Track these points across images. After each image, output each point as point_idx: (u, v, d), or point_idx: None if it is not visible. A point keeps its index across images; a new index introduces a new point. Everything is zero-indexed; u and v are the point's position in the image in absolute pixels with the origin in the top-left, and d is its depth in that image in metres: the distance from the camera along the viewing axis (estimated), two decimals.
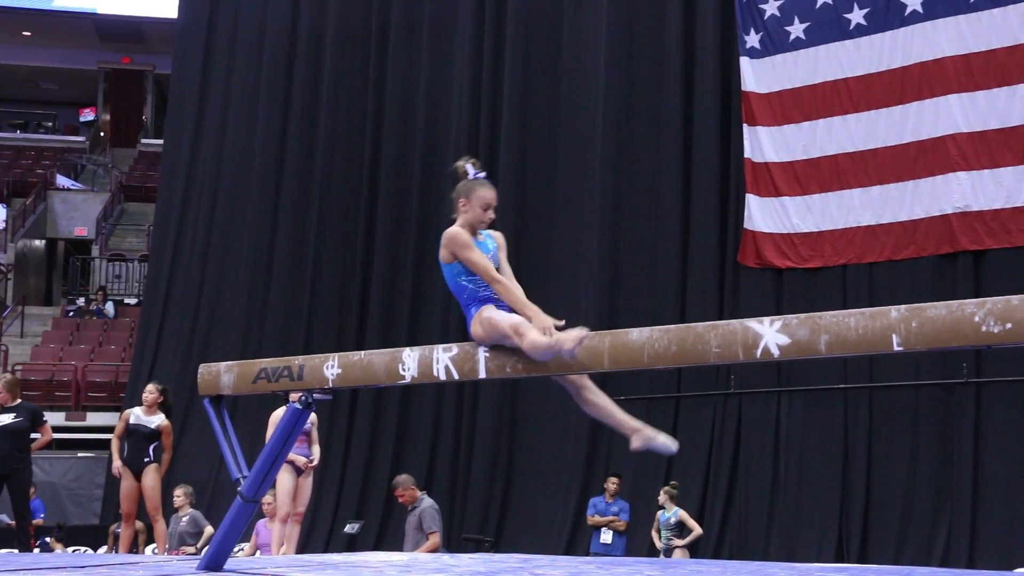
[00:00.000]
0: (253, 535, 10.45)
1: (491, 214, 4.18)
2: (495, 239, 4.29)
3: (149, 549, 11.37)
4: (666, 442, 4.13)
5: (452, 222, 4.19)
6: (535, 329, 3.91)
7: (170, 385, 9.79)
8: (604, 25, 12.69)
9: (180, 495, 11.05)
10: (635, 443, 4.16)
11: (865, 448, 10.62)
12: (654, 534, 10.67)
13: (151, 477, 9.07)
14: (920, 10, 10.68)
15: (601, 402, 4.18)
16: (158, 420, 9.15)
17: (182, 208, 15.50)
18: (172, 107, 16.57)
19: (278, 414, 8.16)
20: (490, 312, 4.09)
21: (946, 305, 3.24)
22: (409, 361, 4.24)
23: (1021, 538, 9.61)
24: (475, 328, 4.13)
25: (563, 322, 3.94)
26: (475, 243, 4.16)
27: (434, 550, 9.97)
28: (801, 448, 10.93)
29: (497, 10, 13.74)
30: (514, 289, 4.10)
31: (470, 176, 4.18)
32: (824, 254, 11.08)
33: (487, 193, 4.16)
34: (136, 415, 9.16)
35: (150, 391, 9.27)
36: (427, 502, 10.25)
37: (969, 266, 10.28)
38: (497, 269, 4.20)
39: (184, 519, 10.96)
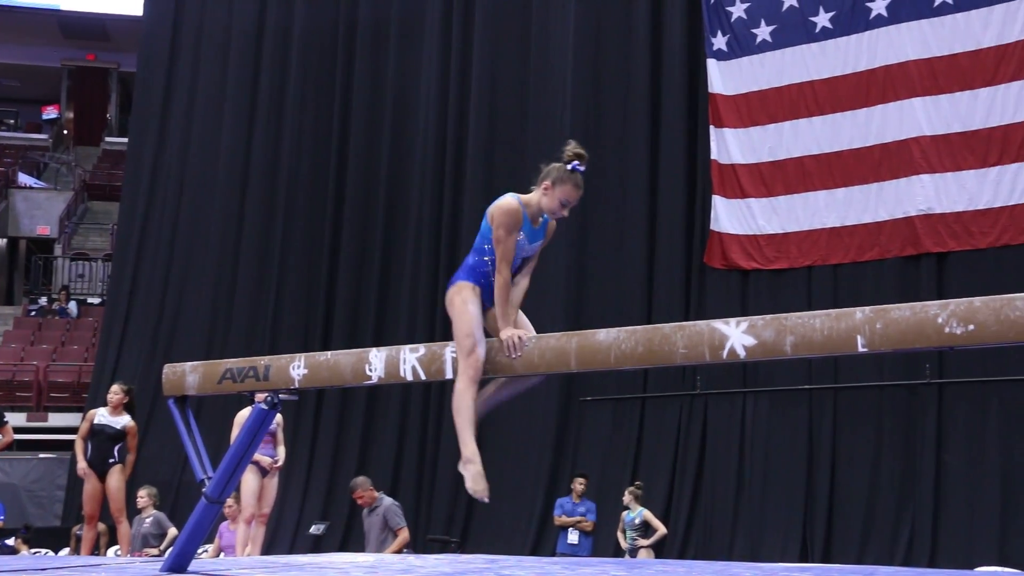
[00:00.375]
0: (216, 538, 10.40)
1: (565, 212, 4.11)
2: (548, 232, 4.23)
3: (112, 551, 11.28)
4: (476, 489, 3.98)
5: (526, 190, 4.12)
6: (471, 377, 3.96)
7: (134, 385, 9.72)
8: (571, 26, 12.72)
9: (144, 496, 10.96)
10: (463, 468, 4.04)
11: (829, 448, 10.69)
12: (619, 534, 10.69)
13: (116, 478, 9.00)
14: (885, 14, 10.77)
15: (497, 393, 4.20)
16: (124, 421, 9.09)
17: (147, 207, 15.39)
18: (137, 105, 16.44)
19: (243, 414, 8.15)
20: (467, 296, 4.06)
21: (910, 307, 3.28)
22: (376, 362, 4.23)
23: (982, 537, 9.71)
24: (450, 293, 4.13)
25: (533, 335, 3.95)
26: (530, 229, 4.10)
27: (404, 545, 9.99)
28: (766, 448, 10.99)
29: (465, 11, 13.74)
30: (506, 292, 4.03)
31: (568, 166, 4.05)
32: (789, 255, 11.15)
33: (572, 193, 4.05)
34: (101, 415, 9.09)
35: (115, 391, 9.20)
36: (388, 501, 10.28)
37: (932, 268, 10.38)
38: (531, 257, 4.18)
39: (147, 520, 10.87)
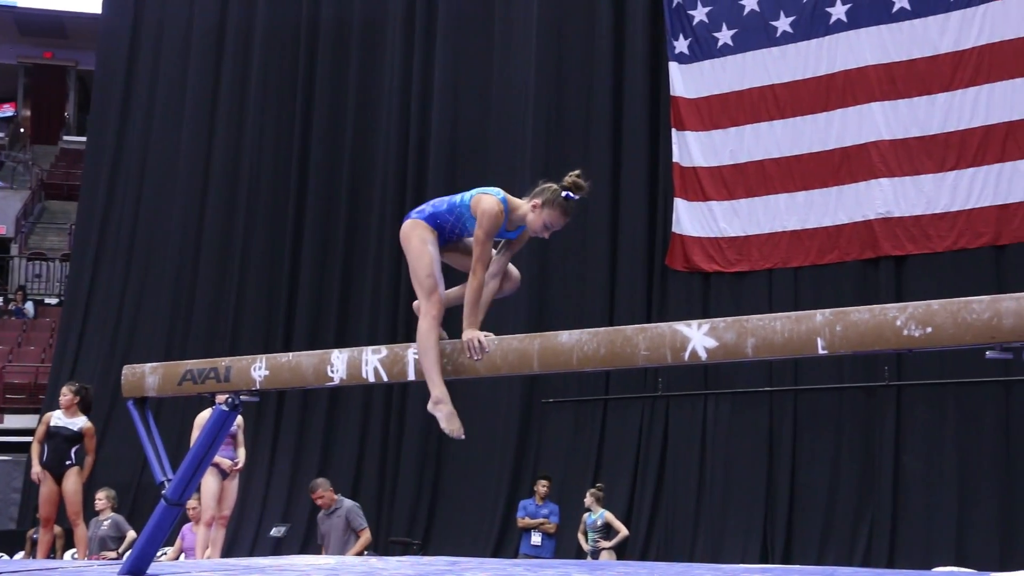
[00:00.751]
0: (178, 539, 10.33)
1: (547, 235, 4.22)
2: (520, 238, 4.31)
3: (68, 554, 11.17)
4: (452, 428, 4.06)
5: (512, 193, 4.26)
6: (434, 316, 4.03)
7: (92, 386, 9.62)
8: (534, 27, 12.73)
9: (102, 498, 10.86)
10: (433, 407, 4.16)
11: (789, 450, 10.77)
12: (580, 536, 10.71)
13: (72, 480, 8.91)
14: (844, 19, 10.87)
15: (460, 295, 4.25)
16: (81, 422, 9.00)
17: (105, 207, 15.23)
18: (96, 104, 16.29)
19: (204, 416, 8.11)
20: (426, 237, 4.17)
21: (869, 309, 3.31)
22: (338, 363, 4.22)
23: (939, 537, 9.81)
24: (407, 227, 4.21)
25: (493, 338, 4.02)
26: (505, 232, 4.21)
27: (367, 546, 9.98)
28: (727, 450, 11.05)
29: (427, 11, 13.71)
30: (477, 294, 4.10)
31: (563, 193, 4.12)
32: (751, 258, 11.21)
33: (559, 219, 4.16)
34: (58, 417, 9.00)
35: (64, 393, 9.12)
36: (348, 502, 10.28)
37: (891, 271, 10.47)
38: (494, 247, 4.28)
39: (105, 523, 10.77)
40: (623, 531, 10.58)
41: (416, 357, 4.09)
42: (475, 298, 4.09)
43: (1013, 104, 9.99)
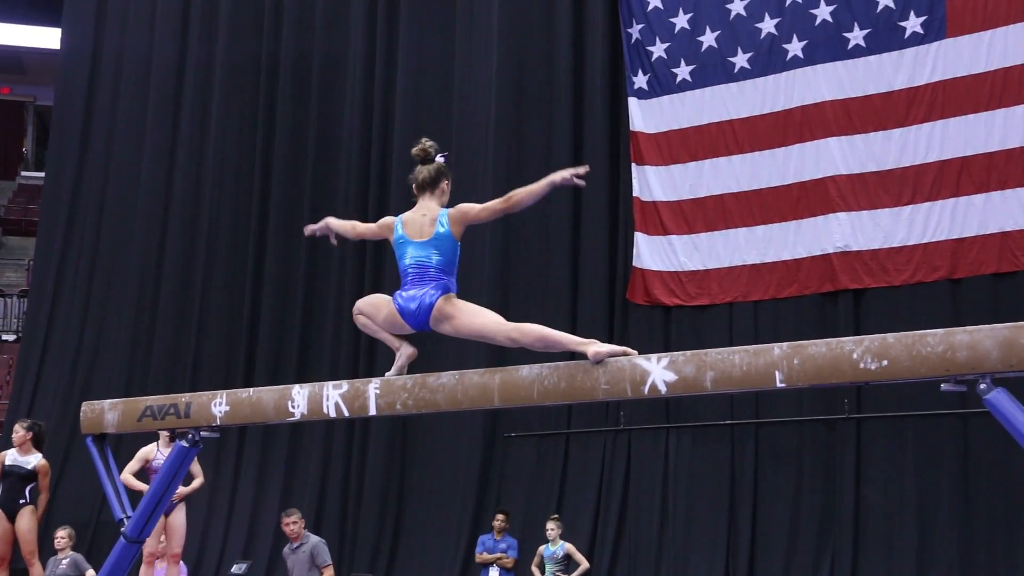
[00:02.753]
0: None
1: None
2: None
3: None
4: (614, 348, 3.91)
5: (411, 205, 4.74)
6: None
7: (50, 423, 9.54)
8: (494, 62, 12.80)
9: (63, 537, 10.68)
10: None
11: (751, 483, 10.80)
12: (534, 569, 10.63)
13: (26, 519, 8.83)
14: (801, 55, 11.01)
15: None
16: (35, 460, 8.92)
17: (64, 242, 15.12)
18: (54, 139, 16.18)
19: (147, 450, 8.17)
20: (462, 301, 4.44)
21: (826, 343, 3.35)
22: (299, 398, 4.21)
23: (899, 568, 9.86)
24: (445, 301, 4.39)
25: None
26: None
27: None
28: (689, 483, 11.07)
29: (388, 46, 13.75)
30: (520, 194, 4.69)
31: (442, 161, 4.64)
32: (711, 292, 11.28)
33: None
34: (12, 456, 8.92)
35: (16, 430, 9.06)
36: (315, 538, 10.20)
37: (850, 304, 10.56)
38: None
39: (64, 562, 10.59)
40: (584, 563, 10.53)
41: (377, 392, 4.09)
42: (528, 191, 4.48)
43: (967, 139, 10.14)
